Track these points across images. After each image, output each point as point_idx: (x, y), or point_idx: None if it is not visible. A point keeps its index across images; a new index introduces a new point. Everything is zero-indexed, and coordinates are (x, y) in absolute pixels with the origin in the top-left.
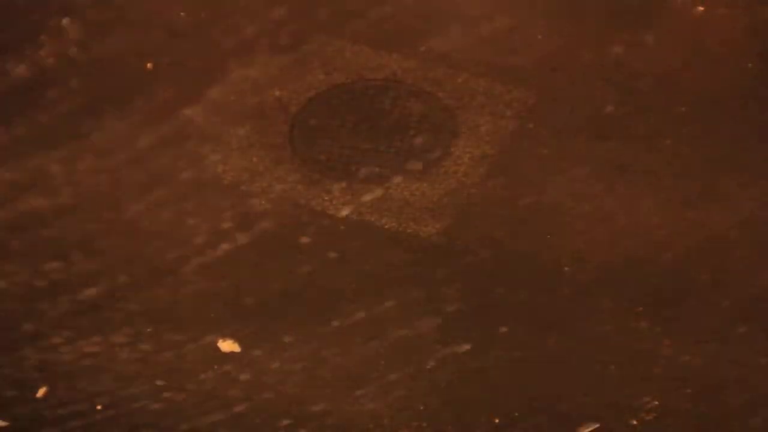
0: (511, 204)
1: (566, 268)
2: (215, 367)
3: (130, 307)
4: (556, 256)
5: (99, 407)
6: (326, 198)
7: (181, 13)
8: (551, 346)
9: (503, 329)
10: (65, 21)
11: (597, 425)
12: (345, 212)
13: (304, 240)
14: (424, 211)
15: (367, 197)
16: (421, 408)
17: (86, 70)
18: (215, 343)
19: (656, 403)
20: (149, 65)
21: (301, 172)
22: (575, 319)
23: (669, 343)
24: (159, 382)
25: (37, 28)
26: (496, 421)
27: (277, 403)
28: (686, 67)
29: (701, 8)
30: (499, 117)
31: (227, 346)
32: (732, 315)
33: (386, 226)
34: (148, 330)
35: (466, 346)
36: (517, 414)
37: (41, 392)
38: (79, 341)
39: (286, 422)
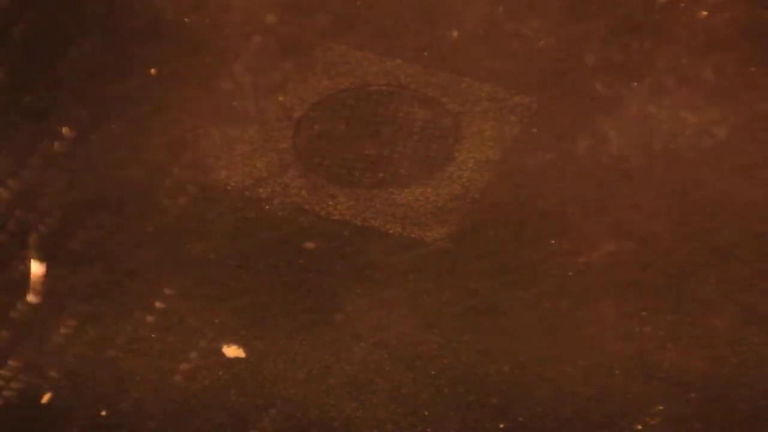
0: (516, 209)
1: (570, 273)
2: (220, 372)
3: (134, 314)
4: (560, 261)
5: (103, 413)
6: (330, 203)
7: (185, 19)
8: (556, 351)
9: (508, 334)
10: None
11: None
12: (349, 217)
13: (309, 245)
14: (429, 217)
15: (371, 202)
16: (426, 413)
17: (91, 76)
18: (220, 348)
19: (661, 407)
20: (153, 71)
21: (306, 178)
22: (580, 324)
23: (673, 348)
24: (163, 388)
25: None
26: (501, 426)
27: (281, 408)
28: (689, 72)
29: (705, 12)
30: (503, 122)
31: (232, 351)
32: (736, 319)
33: (390, 232)
34: (153, 336)
35: (471, 352)
36: (521, 419)
37: (46, 398)
38: (82, 345)
39: (290, 427)
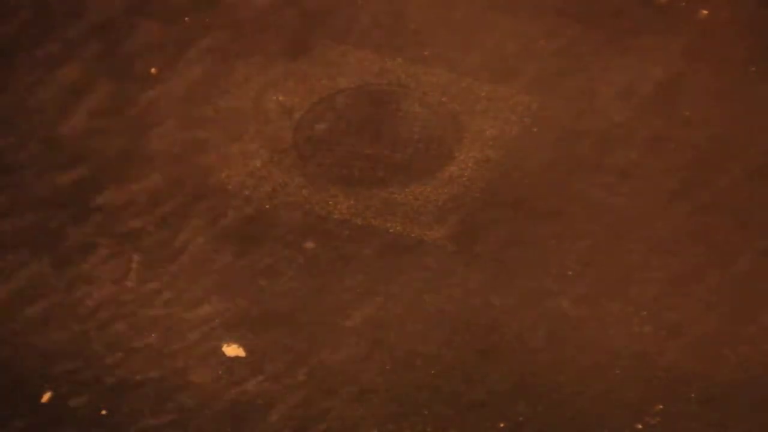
0: (515, 209)
1: (570, 273)
2: (220, 372)
3: (134, 314)
4: (560, 259)
5: (103, 413)
6: (330, 203)
7: (185, 18)
8: (556, 351)
9: (508, 334)
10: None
11: None
12: (349, 217)
13: (309, 245)
14: (429, 216)
15: (371, 202)
16: (426, 413)
17: (91, 76)
18: (220, 348)
19: (661, 407)
20: (153, 70)
21: (305, 177)
22: (580, 324)
23: (673, 347)
24: (163, 388)
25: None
26: (501, 425)
27: (281, 407)
28: (690, 71)
29: (705, 12)
30: (503, 121)
31: (232, 350)
32: (736, 318)
33: (391, 231)
34: (153, 336)
35: (471, 352)
36: (521, 419)
37: (45, 398)
38: (82, 345)
39: (290, 427)
